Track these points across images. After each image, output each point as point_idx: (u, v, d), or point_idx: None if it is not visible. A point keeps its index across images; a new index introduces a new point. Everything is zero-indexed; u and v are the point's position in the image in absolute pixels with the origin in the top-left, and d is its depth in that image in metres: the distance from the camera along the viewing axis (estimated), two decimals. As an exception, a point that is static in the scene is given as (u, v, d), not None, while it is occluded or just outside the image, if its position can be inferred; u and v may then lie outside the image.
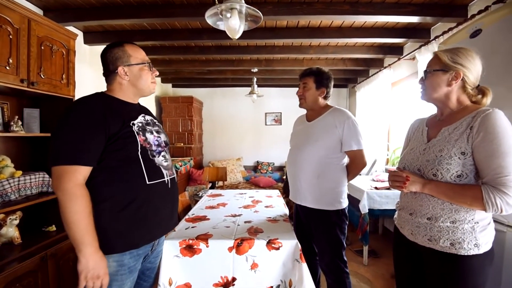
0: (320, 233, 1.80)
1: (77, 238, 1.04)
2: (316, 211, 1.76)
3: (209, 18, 1.73)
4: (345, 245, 1.78)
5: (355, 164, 1.77)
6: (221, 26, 1.78)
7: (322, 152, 1.75)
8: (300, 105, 1.93)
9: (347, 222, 1.81)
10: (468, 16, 2.42)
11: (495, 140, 0.99)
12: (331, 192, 1.75)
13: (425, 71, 1.21)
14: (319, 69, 1.86)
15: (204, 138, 6.32)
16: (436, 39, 2.76)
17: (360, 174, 1.98)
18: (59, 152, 1.07)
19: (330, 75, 1.86)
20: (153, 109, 5.38)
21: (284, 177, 5.14)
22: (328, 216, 1.75)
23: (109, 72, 1.26)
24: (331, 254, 1.76)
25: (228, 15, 1.64)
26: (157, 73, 1.37)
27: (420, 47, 3.02)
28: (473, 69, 1.11)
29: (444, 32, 2.64)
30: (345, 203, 1.78)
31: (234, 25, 1.66)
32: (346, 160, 1.81)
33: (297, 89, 1.92)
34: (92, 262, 1.05)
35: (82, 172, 1.07)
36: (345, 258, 1.78)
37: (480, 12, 2.17)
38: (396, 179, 1.18)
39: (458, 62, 1.11)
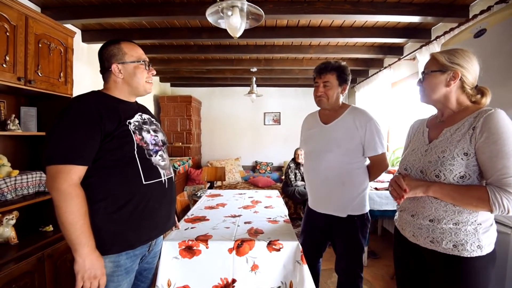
0: (342, 238, 1.72)
1: (73, 238, 1.02)
2: (341, 217, 1.68)
3: (210, 16, 1.71)
4: (364, 248, 1.71)
5: (379, 167, 1.69)
6: (222, 24, 1.75)
7: (345, 158, 1.64)
8: (320, 104, 1.74)
9: (369, 225, 1.74)
10: (470, 17, 2.41)
11: (499, 140, 0.98)
12: (356, 198, 1.67)
13: (423, 73, 1.20)
14: (339, 63, 1.68)
15: (202, 137, 6.31)
16: (437, 39, 2.75)
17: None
18: (54, 151, 1.05)
19: (349, 71, 1.73)
20: (151, 108, 5.36)
21: (283, 177, 5.12)
22: (352, 221, 1.67)
23: (105, 69, 1.24)
24: (350, 259, 1.70)
25: (229, 13, 1.62)
26: (154, 72, 1.33)
27: (421, 47, 3.02)
28: (471, 69, 1.11)
29: (445, 32, 2.64)
30: (368, 207, 1.72)
31: (235, 23, 1.64)
32: (367, 161, 1.73)
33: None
34: (89, 262, 1.04)
35: (77, 171, 1.05)
36: (363, 263, 1.70)
37: (482, 12, 2.16)
38: (395, 189, 1.17)
39: (455, 62, 1.10)
